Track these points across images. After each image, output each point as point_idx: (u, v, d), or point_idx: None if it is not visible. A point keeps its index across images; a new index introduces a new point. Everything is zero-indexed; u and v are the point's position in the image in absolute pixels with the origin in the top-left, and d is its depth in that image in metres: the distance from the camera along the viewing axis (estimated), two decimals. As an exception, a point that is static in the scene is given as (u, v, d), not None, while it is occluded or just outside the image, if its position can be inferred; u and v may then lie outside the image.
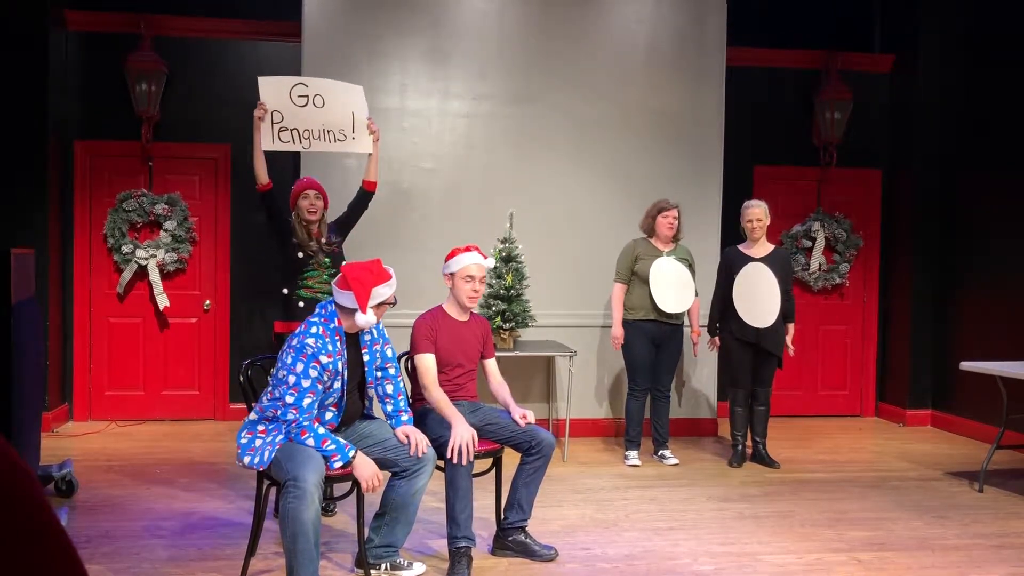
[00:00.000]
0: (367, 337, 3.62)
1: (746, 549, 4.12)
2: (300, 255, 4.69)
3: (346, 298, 3.43)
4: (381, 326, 3.74)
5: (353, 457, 3.34)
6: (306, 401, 3.31)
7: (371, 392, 3.72)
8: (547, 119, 6.49)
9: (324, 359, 3.36)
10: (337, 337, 3.44)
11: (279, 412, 3.35)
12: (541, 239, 6.37)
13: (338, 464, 3.30)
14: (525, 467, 3.92)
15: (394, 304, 3.57)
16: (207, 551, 3.96)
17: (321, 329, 3.42)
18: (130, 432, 6.49)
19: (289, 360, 3.35)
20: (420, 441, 3.55)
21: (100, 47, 6.62)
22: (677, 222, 5.72)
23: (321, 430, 3.33)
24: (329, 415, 3.50)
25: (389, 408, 3.71)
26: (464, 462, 3.61)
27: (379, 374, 3.71)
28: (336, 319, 3.46)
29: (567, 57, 6.49)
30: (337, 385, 3.46)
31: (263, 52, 6.80)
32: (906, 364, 7.33)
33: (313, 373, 3.32)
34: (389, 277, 3.51)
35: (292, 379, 3.31)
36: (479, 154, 6.44)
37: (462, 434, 3.61)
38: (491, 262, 4.03)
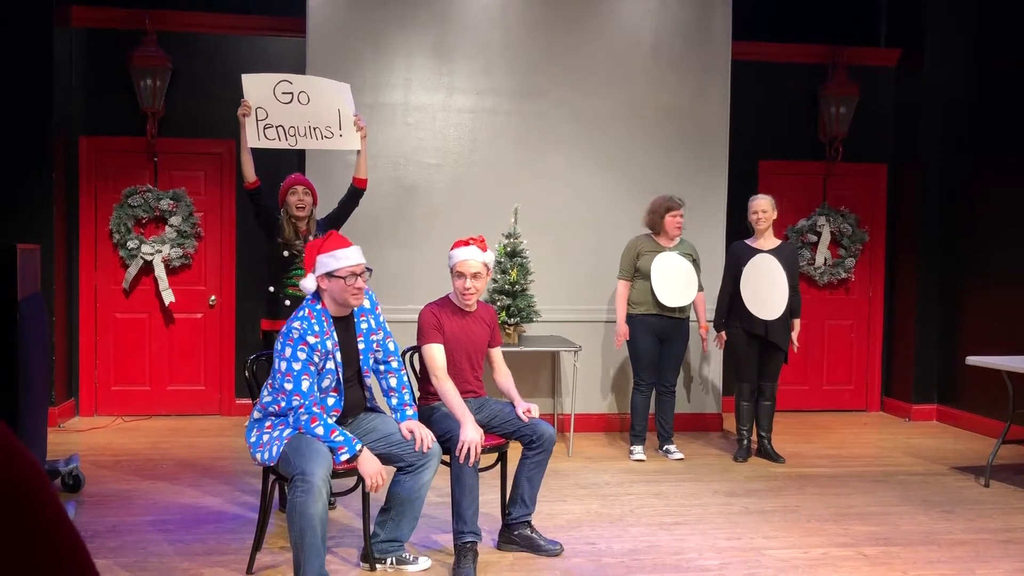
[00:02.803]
0: (363, 325, 3.62)
1: (751, 544, 4.12)
2: (285, 253, 4.69)
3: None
4: (382, 318, 3.74)
5: (359, 452, 3.35)
6: (304, 384, 3.34)
7: (369, 382, 3.71)
8: (551, 114, 6.48)
9: (311, 339, 3.39)
10: (324, 319, 3.47)
11: (283, 403, 3.36)
12: (546, 234, 6.37)
13: (344, 457, 3.31)
14: (527, 461, 3.92)
15: (367, 273, 3.50)
16: (213, 545, 3.97)
17: (307, 311, 3.47)
18: (136, 427, 6.51)
19: (279, 347, 3.41)
20: (425, 437, 3.56)
21: (105, 43, 6.62)
22: (683, 219, 5.73)
23: (330, 420, 3.35)
24: (331, 400, 3.50)
25: (394, 402, 3.72)
26: (470, 464, 3.62)
27: (382, 368, 3.72)
28: (321, 302, 3.50)
29: (571, 52, 6.48)
30: (330, 366, 3.47)
31: (268, 48, 6.79)
32: (911, 359, 7.31)
33: (302, 355, 3.36)
34: (337, 246, 3.45)
35: (284, 365, 3.36)
36: (483, 149, 6.44)
37: (471, 436, 3.62)
38: (490, 255, 3.96)
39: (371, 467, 3.35)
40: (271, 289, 4.72)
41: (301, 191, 4.74)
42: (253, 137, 4.81)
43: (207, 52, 6.77)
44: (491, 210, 6.26)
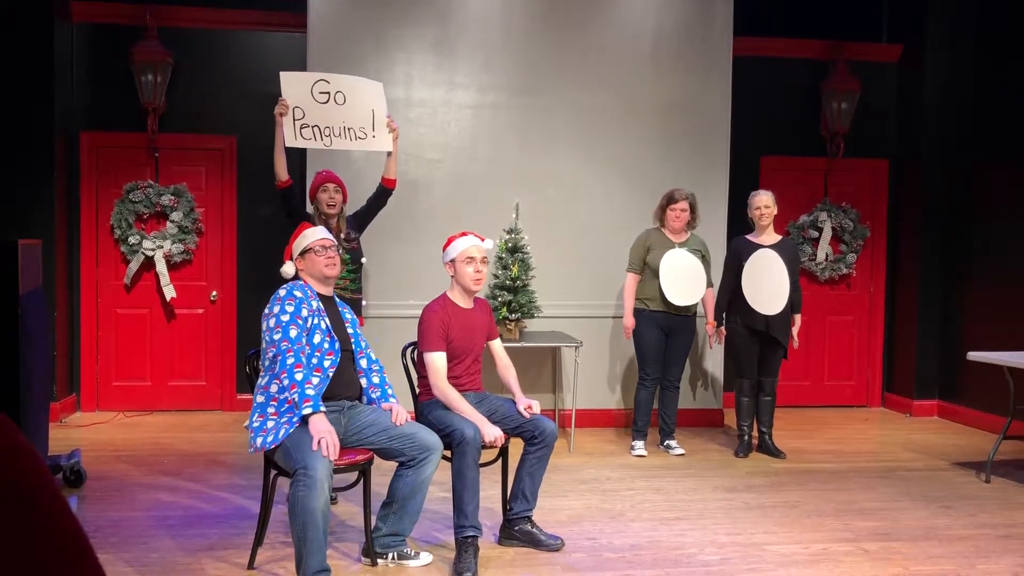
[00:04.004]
0: (348, 316, 3.82)
1: (752, 539, 4.12)
2: None
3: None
4: (359, 324, 3.93)
5: (319, 412, 3.35)
6: (292, 331, 3.46)
7: (361, 363, 3.79)
8: (553, 110, 6.47)
9: (298, 294, 3.57)
10: (308, 290, 3.64)
11: (276, 353, 3.41)
12: (547, 230, 6.37)
13: (307, 411, 3.33)
14: (529, 456, 3.93)
15: (337, 245, 3.77)
16: (215, 541, 3.98)
17: (291, 284, 3.67)
18: (137, 422, 6.51)
19: (267, 312, 3.55)
20: (400, 412, 3.64)
21: (106, 38, 6.62)
22: (687, 214, 5.70)
23: (313, 383, 3.41)
24: (327, 363, 3.56)
25: (376, 394, 3.79)
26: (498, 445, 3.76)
27: (369, 369, 3.80)
28: (302, 281, 3.72)
29: (573, 48, 6.47)
30: (320, 325, 3.56)
31: (269, 43, 6.79)
32: (913, 354, 7.32)
33: (290, 308, 3.51)
34: (304, 229, 3.78)
35: (272, 321, 3.50)
36: (485, 145, 6.43)
37: (497, 432, 3.71)
38: (489, 243, 4.05)
39: (322, 426, 3.32)
40: None
41: (332, 189, 4.76)
42: (290, 136, 4.80)
43: (208, 47, 6.76)
44: (492, 206, 6.26)
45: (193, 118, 6.76)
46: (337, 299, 3.86)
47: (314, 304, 3.61)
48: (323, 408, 3.38)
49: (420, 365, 3.99)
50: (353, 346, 3.75)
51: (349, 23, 6.26)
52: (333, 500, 4.48)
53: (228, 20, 6.75)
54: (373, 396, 3.76)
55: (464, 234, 4.03)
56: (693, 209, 5.73)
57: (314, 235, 3.74)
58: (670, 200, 5.70)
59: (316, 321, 3.57)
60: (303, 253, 3.72)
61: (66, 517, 0.66)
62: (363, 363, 3.77)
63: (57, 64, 6.34)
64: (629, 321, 5.75)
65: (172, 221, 6.69)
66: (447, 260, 4.01)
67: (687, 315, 5.76)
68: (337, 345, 3.62)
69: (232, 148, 6.84)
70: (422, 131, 6.36)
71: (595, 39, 6.49)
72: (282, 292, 3.58)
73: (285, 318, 3.48)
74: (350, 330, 3.77)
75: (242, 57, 6.77)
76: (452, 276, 4.02)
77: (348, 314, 3.84)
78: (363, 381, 3.76)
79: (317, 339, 3.54)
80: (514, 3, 6.44)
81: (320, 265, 3.68)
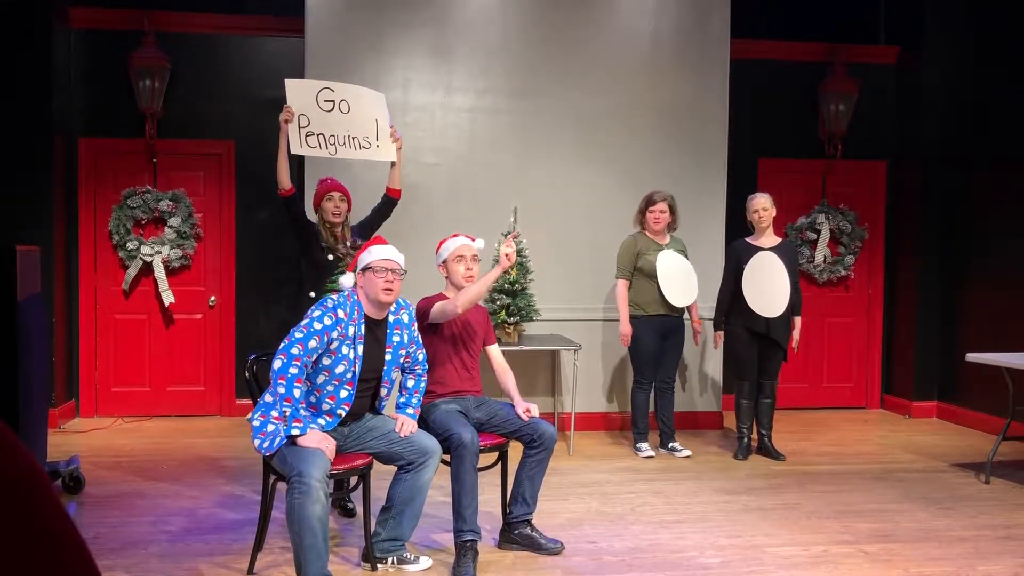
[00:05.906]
0: (396, 338, 3.66)
1: (752, 542, 4.12)
2: (330, 257, 4.68)
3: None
4: (416, 332, 3.77)
5: (306, 434, 3.35)
6: (312, 342, 3.36)
7: (383, 393, 3.74)
8: (550, 113, 6.47)
9: (341, 314, 3.44)
10: (357, 309, 3.52)
11: (283, 361, 3.34)
12: (545, 233, 6.37)
13: (295, 432, 3.32)
14: (528, 460, 3.93)
15: (401, 272, 3.58)
16: (214, 546, 3.97)
17: (347, 295, 3.55)
18: (136, 428, 6.51)
19: (310, 311, 3.47)
20: (406, 423, 3.61)
21: (104, 44, 6.62)
22: (666, 215, 5.71)
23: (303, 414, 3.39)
24: (344, 393, 3.50)
25: (402, 399, 3.78)
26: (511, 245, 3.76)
27: (406, 371, 3.78)
28: (357, 296, 3.58)
29: (570, 51, 6.48)
30: (349, 355, 3.47)
31: (266, 48, 6.79)
32: (911, 356, 7.32)
33: (328, 321, 3.41)
34: (375, 244, 3.63)
35: (306, 320, 3.42)
36: (482, 148, 6.44)
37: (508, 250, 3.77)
38: (480, 242, 4.08)
39: (312, 438, 3.34)
40: (312, 294, 4.65)
41: (337, 198, 4.73)
42: (296, 144, 4.78)
43: (205, 52, 6.76)
44: (490, 209, 6.25)
45: (191, 123, 6.76)
46: (394, 318, 3.65)
47: (351, 330, 3.46)
48: (313, 426, 3.41)
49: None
50: (384, 374, 3.64)
51: (346, 28, 6.26)
52: (351, 512, 4.45)
53: (226, 25, 6.76)
54: (400, 399, 3.80)
55: (455, 235, 4.08)
56: (673, 210, 5.74)
57: (380, 253, 3.54)
58: (649, 202, 5.72)
59: (345, 351, 3.46)
60: (364, 269, 3.53)
61: (63, 522, 0.66)
62: (383, 392, 3.71)
63: (55, 70, 6.34)
64: (627, 328, 5.73)
65: (170, 226, 6.69)
66: (439, 262, 4.07)
67: (680, 316, 5.78)
68: (359, 376, 3.52)
69: (230, 153, 6.84)
70: (420, 135, 6.36)
71: (593, 42, 6.50)
72: (330, 302, 3.46)
73: (318, 326, 3.37)
74: (389, 357, 3.62)
75: (240, 62, 6.77)
76: (446, 277, 4.06)
77: (397, 335, 3.64)
78: (380, 402, 3.76)
79: (340, 369, 3.47)
80: (511, 6, 6.44)
81: (377, 287, 3.47)
